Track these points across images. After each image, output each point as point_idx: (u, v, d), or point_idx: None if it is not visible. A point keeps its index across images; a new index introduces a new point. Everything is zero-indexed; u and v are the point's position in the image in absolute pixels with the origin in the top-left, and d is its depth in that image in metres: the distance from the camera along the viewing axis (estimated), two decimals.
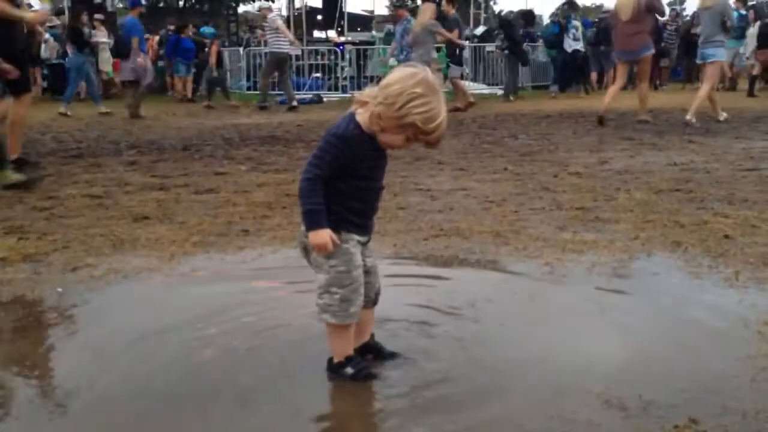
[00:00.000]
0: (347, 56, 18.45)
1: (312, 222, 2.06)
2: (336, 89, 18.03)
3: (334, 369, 2.24)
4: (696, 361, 2.35)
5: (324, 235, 2.04)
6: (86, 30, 14.50)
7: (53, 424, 2.02)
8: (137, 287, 3.18)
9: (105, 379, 2.27)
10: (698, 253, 3.51)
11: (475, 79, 18.73)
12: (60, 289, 3.13)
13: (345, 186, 2.10)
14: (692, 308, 2.82)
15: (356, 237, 2.15)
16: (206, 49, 16.35)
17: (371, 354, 2.36)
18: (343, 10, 22.20)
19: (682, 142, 7.67)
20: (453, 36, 12.44)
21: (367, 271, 2.23)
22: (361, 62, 18.56)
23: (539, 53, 19.58)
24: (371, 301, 2.30)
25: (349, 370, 2.22)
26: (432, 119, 1.99)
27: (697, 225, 4.02)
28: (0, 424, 2.01)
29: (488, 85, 18.40)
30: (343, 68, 18.61)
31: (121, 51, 12.99)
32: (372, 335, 2.39)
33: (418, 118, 1.97)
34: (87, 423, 2.03)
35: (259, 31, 12.72)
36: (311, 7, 24.71)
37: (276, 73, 14.02)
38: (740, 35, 15.17)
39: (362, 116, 2.07)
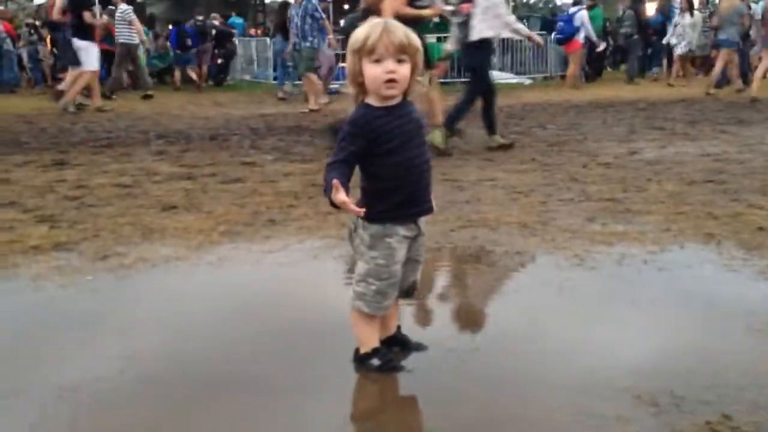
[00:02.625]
0: None
1: (327, 190, 1.99)
2: None
3: (360, 360, 2.24)
4: (729, 356, 2.30)
5: (337, 194, 1.94)
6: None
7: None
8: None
9: (136, 366, 2.29)
10: (731, 245, 3.44)
11: (502, 68, 18.56)
12: (90, 277, 3.16)
13: (380, 167, 2.08)
14: (725, 302, 2.77)
15: (402, 231, 2.13)
16: (234, 39, 16.33)
17: (398, 346, 2.35)
18: None
19: (715, 132, 7.53)
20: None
21: (407, 261, 2.20)
22: None
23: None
24: (402, 292, 2.28)
25: (376, 362, 2.21)
26: (355, 39, 2.04)
27: (730, 217, 3.95)
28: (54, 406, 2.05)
29: (516, 74, 18.22)
30: None
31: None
32: (398, 327, 2.38)
33: (354, 50, 2.05)
34: (114, 408, 2.05)
35: (105, 17, 12.57)
36: None
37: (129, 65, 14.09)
38: None
39: (369, 98, 2.10)
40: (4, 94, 16.25)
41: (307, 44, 11.04)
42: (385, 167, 2.09)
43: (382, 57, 2.01)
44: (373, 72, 2.03)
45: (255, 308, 2.83)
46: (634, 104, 10.94)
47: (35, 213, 4.37)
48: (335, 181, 1.95)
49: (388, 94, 2.06)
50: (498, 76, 17.64)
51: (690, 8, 15.35)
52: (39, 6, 18.84)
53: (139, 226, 4.01)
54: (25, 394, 2.13)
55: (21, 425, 1.98)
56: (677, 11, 15.83)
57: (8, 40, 16.60)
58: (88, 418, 2.01)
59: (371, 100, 2.10)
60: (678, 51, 15.60)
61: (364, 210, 2.00)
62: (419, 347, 2.36)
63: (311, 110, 10.80)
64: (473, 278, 3.15)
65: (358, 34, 2.05)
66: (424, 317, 2.55)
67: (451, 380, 2.16)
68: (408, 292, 2.30)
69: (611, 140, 7.21)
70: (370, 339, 2.23)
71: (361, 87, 2.09)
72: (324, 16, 11.44)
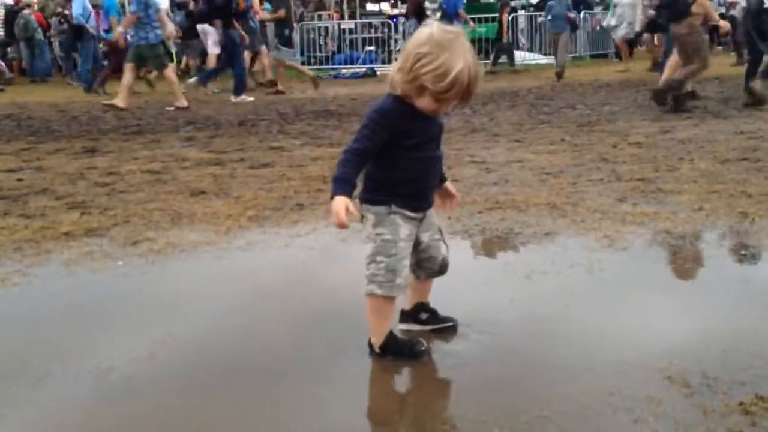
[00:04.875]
0: (401, 29, 18.29)
1: (333, 189, 2.00)
2: (389, 62, 17.86)
3: (375, 354, 2.22)
4: (763, 337, 2.25)
5: (338, 202, 1.97)
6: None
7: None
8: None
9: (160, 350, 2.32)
10: (767, 224, 3.36)
11: (531, 49, 18.35)
12: (121, 262, 3.20)
13: (394, 158, 2.07)
14: (759, 282, 2.72)
15: (407, 212, 2.12)
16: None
17: (427, 313, 2.36)
18: None
19: (749, 109, 7.36)
20: None
21: (426, 247, 2.21)
22: None
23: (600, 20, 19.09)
24: (435, 273, 2.30)
25: (389, 357, 2.19)
26: (442, 77, 1.90)
27: (765, 195, 3.86)
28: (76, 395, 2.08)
29: (544, 54, 18.00)
30: (396, 41, 18.46)
31: None
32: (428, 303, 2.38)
33: (428, 78, 1.91)
34: (134, 396, 2.08)
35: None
36: None
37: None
38: None
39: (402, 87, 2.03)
40: (36, 83, 16.51)
41: (142, 40, 9.50)
42: (399, 160, 2.08)
43: (453, 98, 1.96)
44: (437, 103, 1.97)
45: (283, 292, 2.84)
46: None
47: (67, 200, 4.43)
48: (344, 199, 1.95)
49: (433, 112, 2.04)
50: (527, 56, 17.49)
51: None
52: None
53: (168, 211, 4.05)
54: (59, 376, 2.17)
55: (55, 406, 2.02)
56: None
57: (39, 30, 16.79)
58: (121, 399, 2.03)
59: (401, 91, 2.01)
60: (618, 34, 14.42)
61: (348, 226, 1.98)
62: (447, 320, 2.37)
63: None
64: (501, 260, 3.12)
65: (460, 68, 1.88)
66: (451, 299, 2.54)
67: (479, 362, 2.15)
68: (441, 270, 2.31)
69: (642, 120, 7.09)
70: (381, 327, 2.19)
71: (418, 90, 1.96)
72: (164, 8, 10.09)
